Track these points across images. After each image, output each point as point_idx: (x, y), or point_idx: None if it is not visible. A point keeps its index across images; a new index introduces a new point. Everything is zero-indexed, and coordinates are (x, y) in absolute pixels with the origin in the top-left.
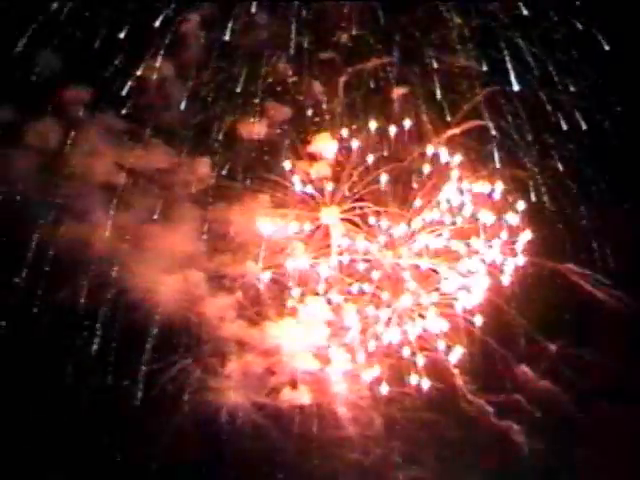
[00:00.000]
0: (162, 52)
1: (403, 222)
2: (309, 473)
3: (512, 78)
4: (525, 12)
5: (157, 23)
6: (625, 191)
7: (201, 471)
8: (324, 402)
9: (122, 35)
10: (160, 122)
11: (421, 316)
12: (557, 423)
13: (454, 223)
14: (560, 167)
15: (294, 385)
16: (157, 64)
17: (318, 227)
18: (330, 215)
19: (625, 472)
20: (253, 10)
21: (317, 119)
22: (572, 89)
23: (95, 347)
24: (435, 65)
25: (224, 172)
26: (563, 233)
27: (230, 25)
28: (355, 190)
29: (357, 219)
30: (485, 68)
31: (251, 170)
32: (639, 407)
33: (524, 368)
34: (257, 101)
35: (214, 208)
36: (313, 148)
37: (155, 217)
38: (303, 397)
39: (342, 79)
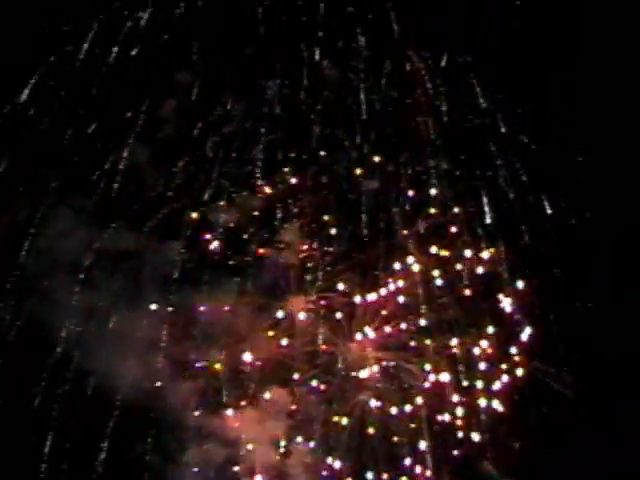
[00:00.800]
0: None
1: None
2: None
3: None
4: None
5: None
6: None
7: None
8: None
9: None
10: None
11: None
12: None
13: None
14: None
15: (252, 476)
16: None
17: (286, 316)
18: (297, 304)
19: None
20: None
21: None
22: None
23: (50, 432)
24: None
25: (194, 257)
26: None
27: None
28: (323, 280)
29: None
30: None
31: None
32: None
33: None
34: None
35: (180, 294)
36: (281, 237)
37: (120, 300)
38: None
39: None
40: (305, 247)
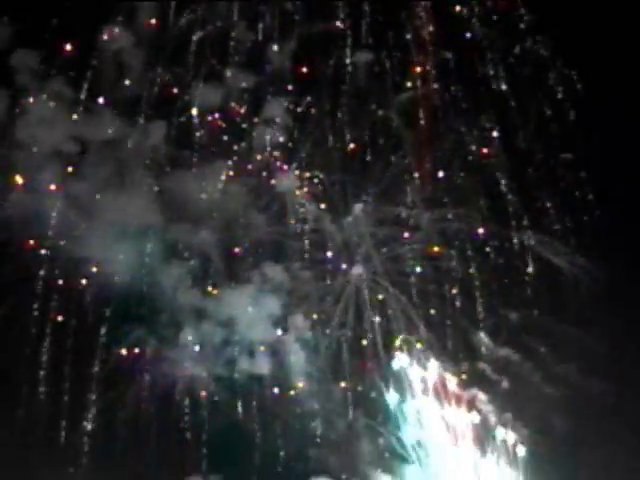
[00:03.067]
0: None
1: None
2: (272, 448)
3: None
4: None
5: None
6: None
7: (160, 446)
8: (282, 374)
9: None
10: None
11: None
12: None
13: None
14: None
15: (251, 355)
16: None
17: (274, 197)
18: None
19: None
20: None
21: None
22: None
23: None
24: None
25: (178, 140)
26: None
27: None
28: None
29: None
30: None
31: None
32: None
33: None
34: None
35: (168, 177)
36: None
37: (108, 187)
38: (262, 367)
39: None
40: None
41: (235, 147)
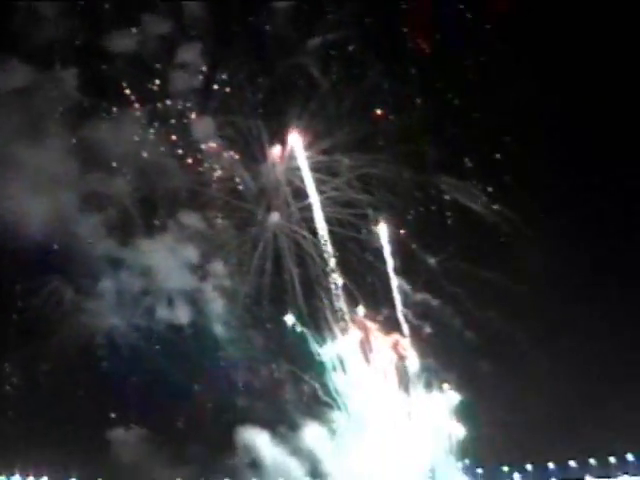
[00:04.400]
0: None
1: None
2: (197, 397)
3: None
4: None
5: None
6: None
7: (82, 396)
8: (202, 322)
9: None
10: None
11: (292, 230)
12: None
13: None
14: None
15: (170, 304)
16: None
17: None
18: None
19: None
20: None
21: None
22: None
23: None
24: None
25: (93, 88)
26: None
27: None
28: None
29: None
30: None
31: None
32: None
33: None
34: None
35: (82, 126)
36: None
37: (20, 137)
38: (181, 316)
39: None
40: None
41: (150, 94)
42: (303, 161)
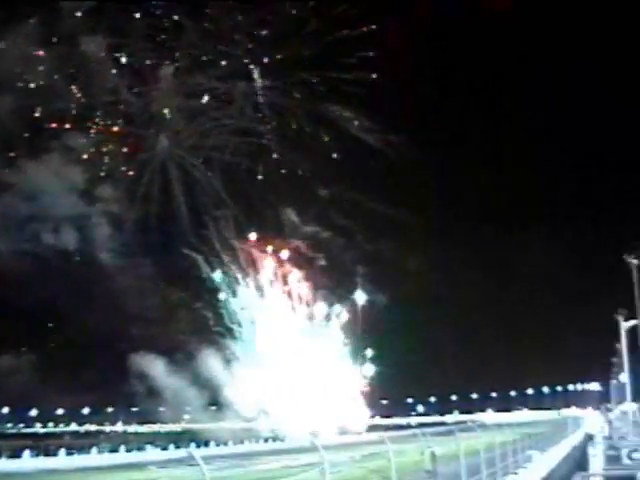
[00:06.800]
0: None
1: None
2: (87, 326)
3: None
4: None
5: None
6: None
7: None
8: (89, 248)
9: None
10: None
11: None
12: None
13: None
14: None
15: (57, 230)
16: None
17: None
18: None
19: None
20: None
21: None
22: None
23: None
24: None
25: None
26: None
27: None
28: None
29: None
30: None
31: None
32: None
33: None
34: None
35: None
36: None
37: None
38: (67, 242)
39: None
40: None
41: (41, 9)
42: (196, 85)
